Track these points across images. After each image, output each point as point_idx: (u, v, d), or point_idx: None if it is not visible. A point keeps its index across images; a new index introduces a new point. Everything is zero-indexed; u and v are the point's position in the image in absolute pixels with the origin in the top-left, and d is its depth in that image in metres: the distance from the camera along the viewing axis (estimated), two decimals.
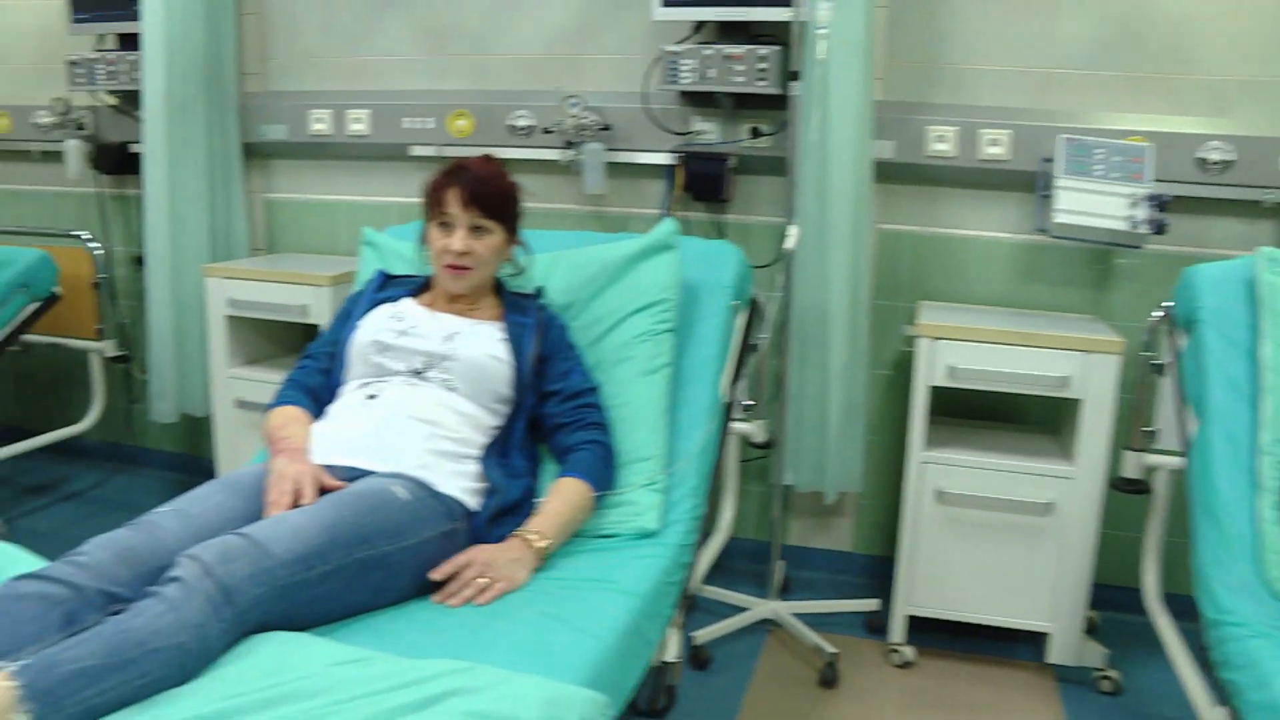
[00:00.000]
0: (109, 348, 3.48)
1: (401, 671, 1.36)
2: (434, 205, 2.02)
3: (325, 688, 1.31)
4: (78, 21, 3.32)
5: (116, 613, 1.42)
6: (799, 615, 2.81)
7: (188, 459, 3.82)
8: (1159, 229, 2.48)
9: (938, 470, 2.61)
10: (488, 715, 1.27)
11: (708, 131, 2.93)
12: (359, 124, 3.20)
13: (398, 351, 1.99)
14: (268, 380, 3.11)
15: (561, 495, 1.91)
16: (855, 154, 2.58)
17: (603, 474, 1.97)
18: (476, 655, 1.43)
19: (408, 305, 2.10)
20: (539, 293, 2.16)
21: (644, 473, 2.04)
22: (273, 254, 3.50)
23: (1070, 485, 2.54)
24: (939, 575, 2.66)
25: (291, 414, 1.98)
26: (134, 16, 3.17)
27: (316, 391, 2.05)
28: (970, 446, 2.67)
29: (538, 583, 1.76)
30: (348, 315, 2.15)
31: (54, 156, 3.64)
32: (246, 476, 1.79)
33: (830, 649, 2.62)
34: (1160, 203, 2.48)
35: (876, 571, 3.15)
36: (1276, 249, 2.01)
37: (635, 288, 2.23)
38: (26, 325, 3.24)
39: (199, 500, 1.69)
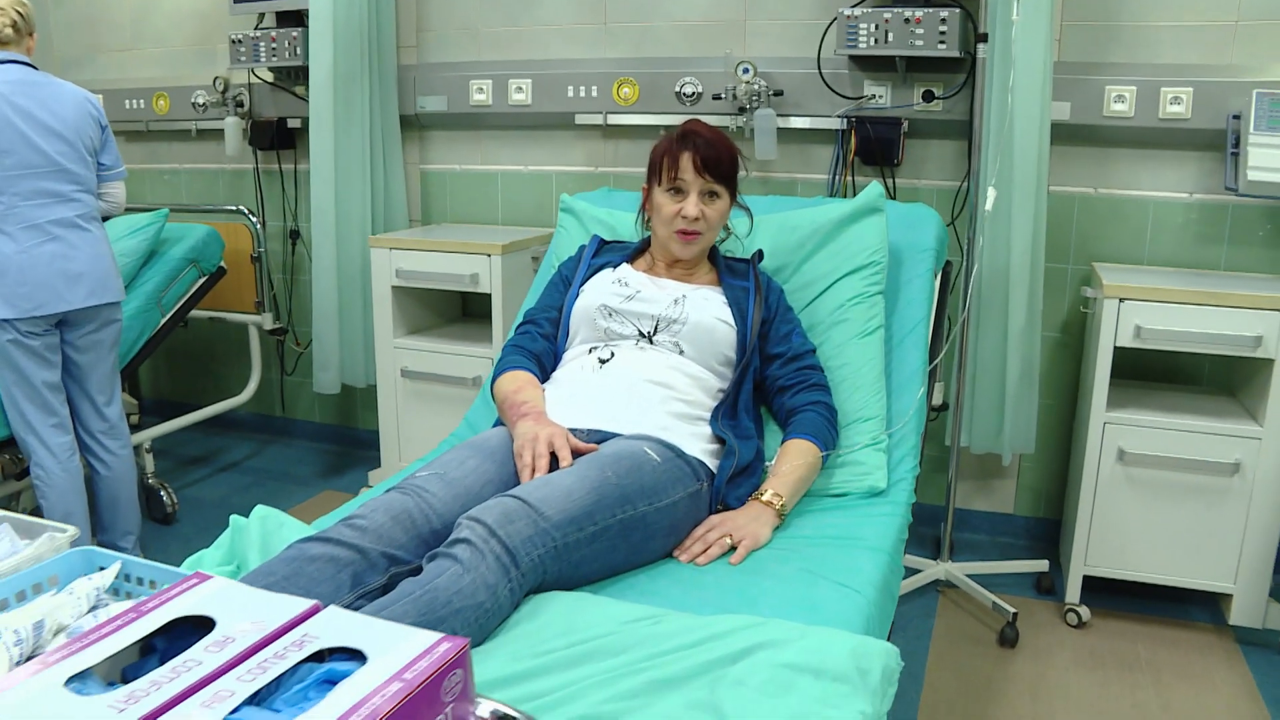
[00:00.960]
0: (267, 320, 3.59)
1: (698, 627, 1.41)
2: (666, 171, 2.06)
3: (629, 645, 1.37)
4: (239, 1, 3.42)
5: (398, 574, 1.50)
6: (971, 576, 2.86)
7: (337, 430, 3.95)
8: None
9: (1119, 430, 2.65)
10: (802, 666, 1.32)
11: (879, 96, 2.97)
12: (520, 94, 3.28)
13: (625, 316, 2.06)
14: (433, 350, 3.21)
15: (793, 456, 1.96)
16: (1038, 116, 2.61)
17: (829, 435, 2.03)
18: (749, 610, 1.49)
19: (628, 271, 2.16)
20: (760, 256, 2.22)
21: (868, 433, 2.10)
22: (428, 224, 3.60)
23: (1259, 446, 2.56)
24: (1117, 535, 2.70)
25: (523, 378, 2.03)
26: None
27: (540, 356, 2.12)
28: (1149, 407, 2.71)
29: (786, 541, 1.83)
30: (566, 281, 2.21)
31: (208, 135, 3.77)
32: (493, 440, 1.85)
33: (1009, 609, 2.67)
34: None
35: (1038, 533, 3.20)
36: None
37: (846, 251, 2.28)
38: (194, 300, 3.36)
39: (455, 464, 1.75)
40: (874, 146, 2.98)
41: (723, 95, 3.01)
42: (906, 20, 2.74)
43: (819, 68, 2.97)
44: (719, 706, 1.22)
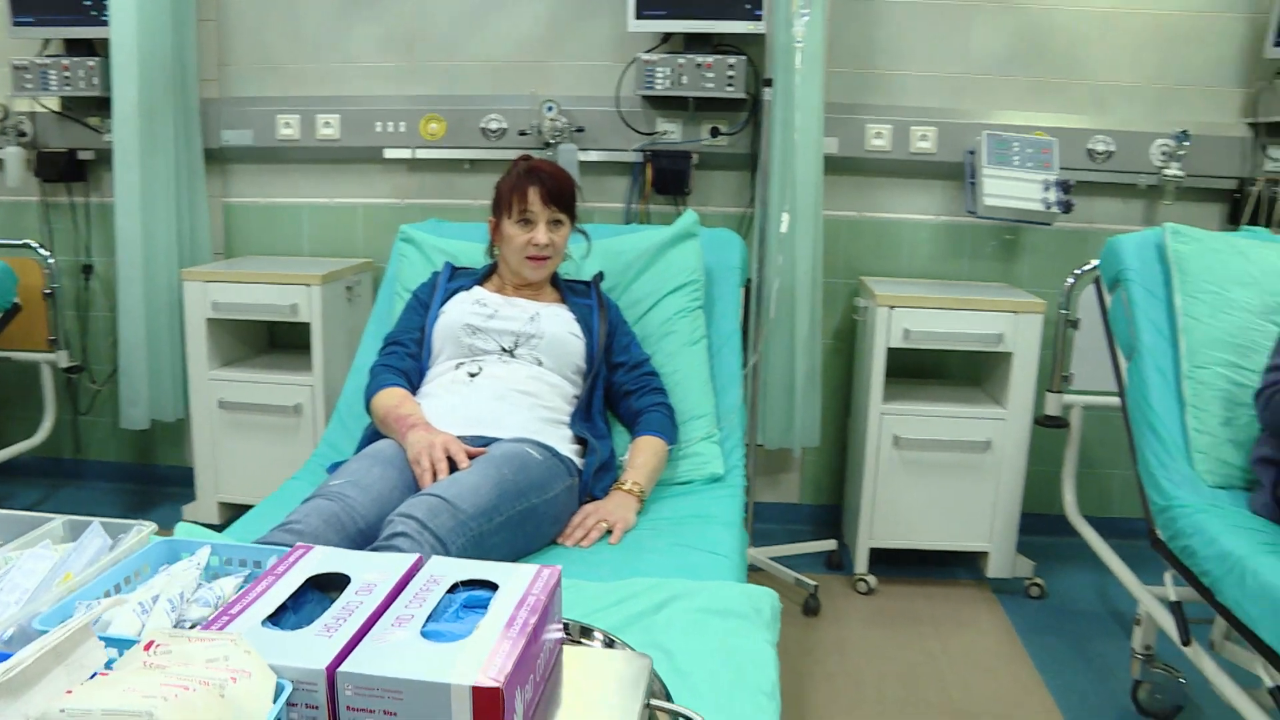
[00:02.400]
0: (62, 358, 3.57)
1: (613, 590, 1.73)
2: (516, 205, 2.35)
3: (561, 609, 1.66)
4: (18, 25, 3.39)
5: None
6: (773, 559, 3.29)
7: (136, 468, 3.93)
8: (1067, 209, 3.10)
9: (894, 420, 3.16)
10: (711, 610, 1.67)
11: (671, 131, 3.37)
12: (329, 129, 3.46)
13: (488, 333, 2.34)
14: (252, 380, 3.33)
15: (645, 451, 2.31)
16: (815, 150, 3.08)
17: (672, 431, 2.40)
18: (643, 577, 1.82)
19: (483, 292, 2.44)
20: (601, 277, 2.55)
21: (703, 428, 2.48)
22: (232, 257, 3.68)
23: (1004, 425, 3.14)
24: (895, 511, 3.21)
25: (400, 394, 2.27)
26: (83, 21, 3.32)
27: (409, 374, 2.36)
28: (914, 399, 3.23)
29: (651, 522, 2.18)
30: (424, 304, 2.46)
31: None
32: (387, 450, 2.09)
33: (811, 583, 3.11)
34: (1067, 186, 3.10)
35: (821, 518, 3.69)
36: (1177, 224, 2.63)
37: (668, 271, 2.66)
38: None
39: (362, 473, 1.98)
40: (667, 177, 3.38)
41: (528, 131, 3.33)
42: (699, 65, 3.15)
43: (618, 106, 3.34)
44: (661, 644, 1.54)
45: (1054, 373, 3.10)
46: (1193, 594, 2.29)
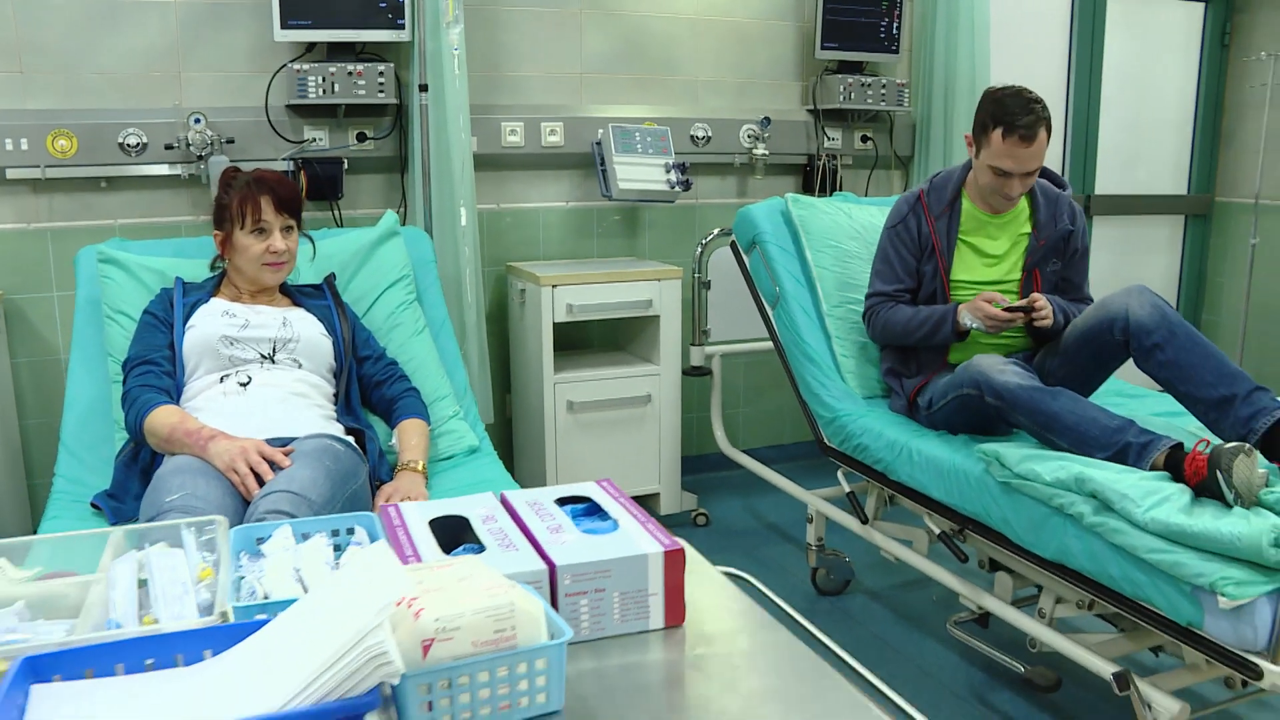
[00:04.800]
0: None
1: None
2: (249, 215, 2.45)
3: None
4: None
5: None
6: None
7: None
8: (687, 186, 3.70)
9: (565, 388, 3.58)
10: None
11: (319, 139, 3.53)
12: None
13: (245, 342, 2.44)
14: None
15: (414, 432, 2.54)
16: (467, 149, 3.41)
17: (426, 412, 2.64)
18: None
19: (225, 303, 2.51)
20: (333, 277, 2.71)
21: (449, 408, 2.75)
22: None
23: (659, 379, 3.68)
24: (574, 470, 3.63)
25: (177, 410, 2.28)
26: None
27: (170, 392, 2.38)
28: (575, 367, 3.68)
29: (441, 496, 2.41)
30: (165, 323, 2.48)
31: None
32: (194, 464, 2.12)
33: None
34: (684, 168, 3.70)
35: None
36: (797, 194, 3.31)
37: (381, 269, 2.87)
38: None
39: (189, 485, 2.03)
40: (322, 183, 3.53)
41: (175, 144, 3.32)
42: (350, 73, 3.35)
43: (267, 115, 3.44)
44: None
45: (695, 329, 3.70)
46: (862, 486, 2.96)
